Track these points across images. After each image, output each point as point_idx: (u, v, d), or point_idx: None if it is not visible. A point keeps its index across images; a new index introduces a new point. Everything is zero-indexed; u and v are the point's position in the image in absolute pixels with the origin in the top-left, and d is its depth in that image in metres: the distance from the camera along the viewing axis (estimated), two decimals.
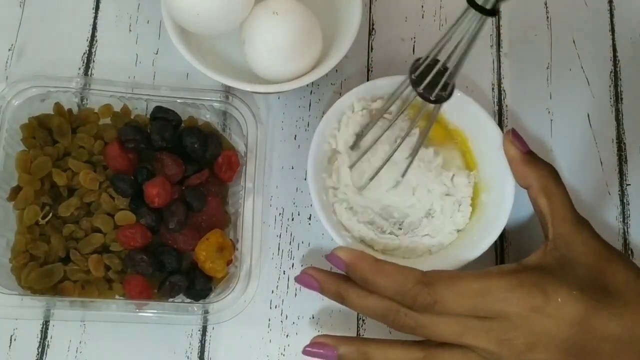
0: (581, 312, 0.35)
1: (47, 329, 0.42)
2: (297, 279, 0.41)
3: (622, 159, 0.49)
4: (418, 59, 0.38)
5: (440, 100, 0.37)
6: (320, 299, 0.44)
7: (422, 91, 0.37)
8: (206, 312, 0.41)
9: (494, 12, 0.33)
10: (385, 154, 0.42)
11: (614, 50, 0.51)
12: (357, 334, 0.44)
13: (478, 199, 0.44)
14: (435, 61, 0.37)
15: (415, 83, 0.37)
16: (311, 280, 0.40)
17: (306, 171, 0.42)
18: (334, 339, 0.39)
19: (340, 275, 0.39)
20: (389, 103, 0.40)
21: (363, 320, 0.44)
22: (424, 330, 0.37)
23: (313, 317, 0.44)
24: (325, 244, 0.45)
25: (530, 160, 0.40)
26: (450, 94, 0.38)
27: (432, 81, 0.37)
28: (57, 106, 0.44)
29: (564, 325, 0.35)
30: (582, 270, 0.37)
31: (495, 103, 0.49)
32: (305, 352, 0.40)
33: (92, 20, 0.49)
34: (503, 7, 0.52)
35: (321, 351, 0.39)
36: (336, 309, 0.44)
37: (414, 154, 0.42)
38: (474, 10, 0.33)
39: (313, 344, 0.40)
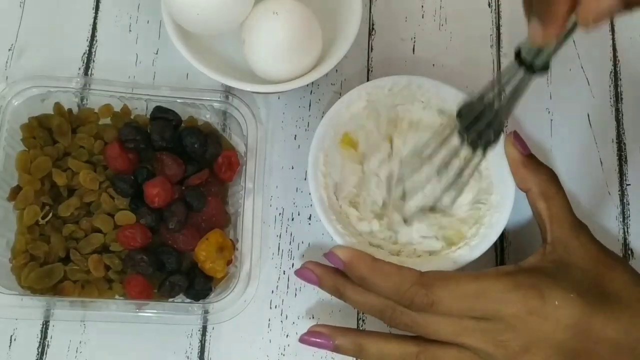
0: (578, 315, 0.35)
1: (47, 329, 0.42)
2: (297, 273, 0.41)
3: (622, 159, 0.49)
4: (460, 110, 0.37)
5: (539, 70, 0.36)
6: (321, 299, 0.44)
7: (470, 144, 0.37)
8: (206, 312, 0.41)
9: (545, 68, 0.33)
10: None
11: (614, 50, 0.51)
12: None
13: (478, 199, 0.44)
14: (481, 110, 0.36)
15: (463, 125, 0.37)
16: (310, 274, 0.40)
17: (306, 171, 0.42)
18: (330, 329, 0.40)
19: (339, 271, 0.40)
20: (437, 144, 0.40)
21: (363, 320, 0.44)
22: (420, 329, 0.38)
23: (313, 317, 0.44)
24: (325, 244, 0.45)
25: (531, 164, 0.40)
26: (494, 141, 0.38)
27: (480, 131, 0.37)
28: (57, 106, 0.44)
29: (560, 328, 0.35)
30: (580, 273, 0.37)
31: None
32: (301, 340, 0.40)
33: (92, 20, 0.49)
34: (503, 8, 0.52)
35: (318, 340, 0.40)
36: (336, 309, 0.44)
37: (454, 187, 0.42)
38: (522, 68, 0.33)
39: (310, 332, 0.40)
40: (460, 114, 0.37)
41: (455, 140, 0.39)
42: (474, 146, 0.37)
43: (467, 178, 0.41)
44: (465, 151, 0.39)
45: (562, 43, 0.32)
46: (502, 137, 0.38)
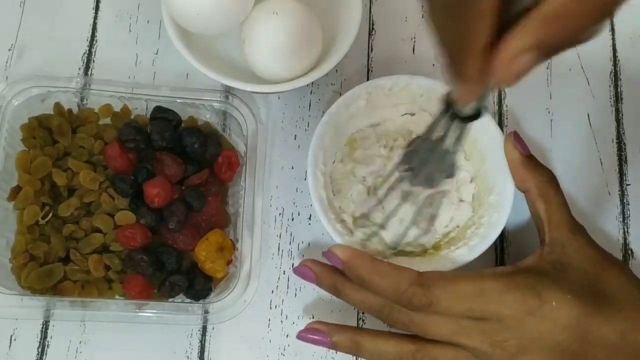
0: (575, 316, 0.35)
1: (47, 329, 0.42)
2: (295, 270, 0.41)
3: (622, 159, 0.49)
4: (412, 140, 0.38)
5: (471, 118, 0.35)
6: (320, 299, 0.44)
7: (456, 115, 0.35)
8: (206, 312, 0.41)
9: (476, 116, 0.31)
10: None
11: (614, 50, 0.51)
12: None
13: (478, 199, 0.44)
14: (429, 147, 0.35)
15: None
16: (308, 272, 0.41)
17: (306, 171, 0.42)
18: (328, 326, 0.40)
19: (337, 269, 0.40)
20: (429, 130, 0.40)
21: (363, 321, 0.44)
22: (418, 328, 0.38)
23: (313, 317, 0.44)
24: (325, 244, 0.45)
25: (530, 164, 0.41)
26: (479, 115, 0.37)
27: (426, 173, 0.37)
28: (57, 106, 0.44)
29: (557, 329, 0.35)
30: (577, 275, 0.37)
31: (495, 103, 0.49)
32: (299, 336, 0.40)
33: (92, 20, 0.49)
34: None
35: (315, 337, 0.40)
36: (336, 309, 0.44)
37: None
38: (450, 119, 0.32)
39: (308, 329, 0.40)
40: (407, 155, 0.37)
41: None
42: (428, 183, 0.37)
43: (435, 208, 0.42)
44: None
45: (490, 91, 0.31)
46: (456, 171, 0.38)
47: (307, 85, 0.43)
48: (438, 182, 0.37)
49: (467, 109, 0.31)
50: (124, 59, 0.48)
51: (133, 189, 0.42)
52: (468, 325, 0.36)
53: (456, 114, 0.31)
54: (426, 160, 0.36)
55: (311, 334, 0.40)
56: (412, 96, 0.44)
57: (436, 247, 0.43)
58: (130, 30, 0.49)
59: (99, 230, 0.42)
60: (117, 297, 0.41)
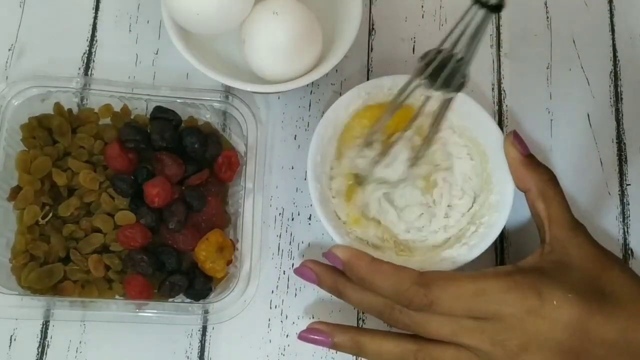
0: (576, 315, 0.35)
1: (47, 329, 0.42)
2: (296, 271, 0.41)
3: (622, 159, 0.49)
4: (426, 53, 0.36)
5: (453, 90, 0.36)
6: (320, 299, 0.44)
7: (432, 82, 0.36)
8: (206, 312, 0.41)
9: (499, 7, 0.32)
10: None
11: (614, 50, 0.51)
12: None
13: (478, 198, 0.44)
14: (446, 55, 0.35)
15: (428, 75, 0.36)
16: (309, 273, 0.41)
17: (306, 171, 0.42)
18: (329, 327, 0.40)
19: (338, 269, 0.40)
20: (400, 96, 0.39)
21: (363, 321, 0.44)
22: (419, 328, 0.38)
23: (313, 317, 0.44)
24: (325, 244, 0.45)
25: (530, 164, 0.41)
26: (461, 87, 0.36)
27: (445, 75, 0.35)
28: (57, 106, 0.44)
29: (558, 328, 0.35)
30: (578, 274, 0.37)
31: (495, 103, 0.49)
32: (300, 336, 0.40)
33: (92, 20, 0.49)
34: None
35: (317, 337, 0.40)
36: (336, 309, 0.44)
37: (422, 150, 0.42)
38: (478, 7, 0.32)
39: (309, 329, 0.40)
40: (423, 63, 0.36)
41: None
42: (444, 87, 0.36)
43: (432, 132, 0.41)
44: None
45: None
46: (467, 81, 0.37)
47: (307, 85, 0.43)
48: (454, 88, 0.36)
49: None
50: (124, 59, 0.48)
51: (133, 189, 0.42)
52: (469, 325, 0.36)
53: (483, 3, 0.32)
54: (442, 67, 0.35)
55: (312, 334, 0.40)
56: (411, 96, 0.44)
57: (436, 246, 0.43)
58: (130, 30, 0.49)
59: (99, 230, 0.42)
60: (117, 297, 0.41)
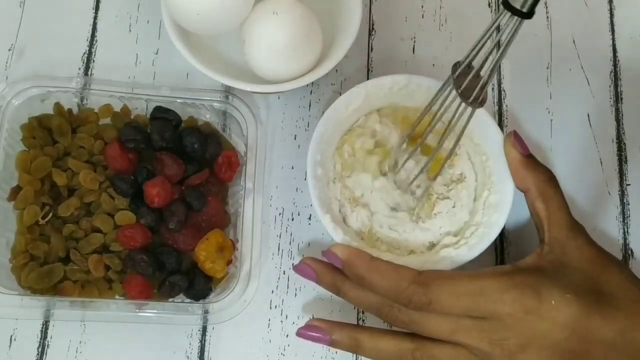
0: (574, 315, 0.35)
1: (47, 329, 0.42)
2: (295, 268, 0.41)
3: (622, 159, 0.49)
4: (457, 63, 0.37)
5: (477, 103, 0.36)
6: (320, 299, 0.44)
7: (462, 93, 0.36)
8: (206, 312, 0.41)
9: (530, 14, 0.32)
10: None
11: (614, 50, 0.51)
12: None
13: (478, 198, 0.44)
14: (470, 67, 0.36)
15: (457, 85, 0.36)
16: (308, 270, 0.41)
17: (306, 171, 0.42)
18: (328, 324, 0.40)
19: (337, 267, 0.40)
20: (432, 105, 0.40)
21: (363, 321, 0.44)
22: (417, 327, 0.38)
23: (313, 317, 0.44)
24: (325, 243, 0.45)
25: (530, 164, 0.41)
26: (483, 101, 0.37)
27: (469, 86, 0.36)
28: (57, 106, 0.44)
29: (556, 328, 0.35)
30: (577, 274, 0.37)
31: (495, 103, 0.49)
32: (299, 333, 0.40)
33: (92, 20, 0.49)
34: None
35: (315, 334, 0.40)
36: (336, 309, 0.44)
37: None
38: (510, 14, 0.33)
39: (308, 326, 0.40)
40: (455, 74, 0.37)
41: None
42: (471, 102, 0.37)
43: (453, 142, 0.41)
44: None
45: None
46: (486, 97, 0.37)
47: (307, 85, 0.44)
48: (480, 102, 0.36)
49: (527, 5, 0.32)
50: (124, 59, 0.48)
51: (133, 189, 0.42)
52: (467, 324, 0.36)
53: (513, 8, 0.32)
54: (468, 80, 0.36)
55: (311, 331, 0.40)
56: (411, 95, 0.44)
57: (435, 246, 0.43)
58: (130, 30, 0.49)
59: (99, 230, 0.42)
60: (117, 297, 0.41)
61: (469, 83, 0.36)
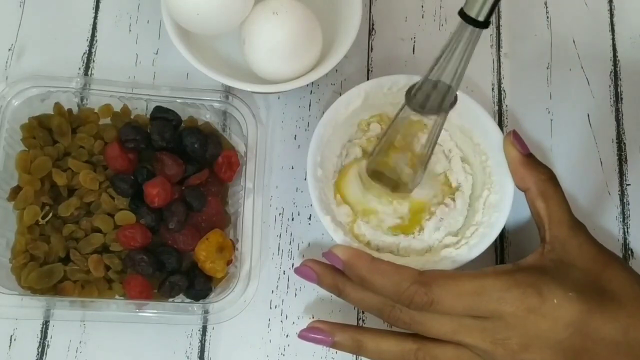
0: (577, 313, 0.35)
1: (47, 329, 0.42)
2: (296, 270, 0.41)
3: (622, 159, 0.49)
4: (412, 86, 0.37)
5: (444, 111, 0.37)
6: (320, 299, 0.44)
7: (419, 109, 0.37)
8: (206, 312, 0.41)
9: (486, 24, 0.33)
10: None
11: (614, 50, 0.51)
12: None
13: (478, 198, 0.44)
14: (433, 83, 0.36)
15: (417, 103, 0.37)
16: (310, 272, 0.41)
17: (306, 171, 0.42)
18: (330, 326, 0.40)
19: (338, 269, 0.40)
20: (392, 126, 0.40)
21: (363, 321, 0.44)
22: (419, 327, 0.38)
23: (313, 317, 0.44)
24: (325, 244, 0.45)
25: (530, 163, 0.41)
26: (452, 104, 0.37)
27: (433, 102, 0.36)
28: (57, 106, 0.44)
29: (559, 327, 0.35)
30: (578, 273, 0.37)
31: (495, 103, 0.49)
32: (301, 335, 0.40)
33: (92, 20, 0.49)
34: (503, 8, 0.52)
35: (317, 336, 0.40)
36: (336, 309, 0.44)
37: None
38: (466, 24, 0.33)
39: (309, 328, 0.40)
40: (410, 93, 0.37)
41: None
42: (434, 112, 0.37)
43: (429, 149, 0.41)
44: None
45: None
46: (455, 102, 0.37)
47: (307, 85, 0.44)
48: (445, 109, 0.37)
49: (484, 10, 0.32)
50: (124, 59, 0.48)
51: (133, 189, 0.42)
52: (469, 324, 0.36)
53: (470, 18, 0.32)
54: (429, 96, 0.36)
55: (313, 333, 0.40)
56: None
57: (435, 246, 0.43)
58: (130, 30, 0.49)
59: (99, 230, 0.42)
60: (117, 297, 0.41)
61: (427, 97, 0.36)
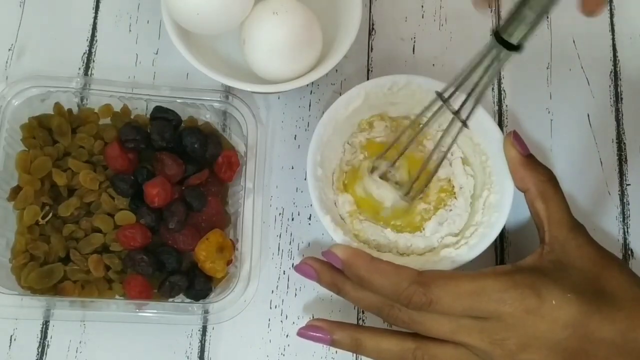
0: (575, 314, 0.35)
1: (47, 329, 0.42)
2: (296, 268, 0.41)
3: (622, 159, 0.49)
4: (445, 88, 0.38)
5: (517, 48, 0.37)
6: (320, 299, 0.44)
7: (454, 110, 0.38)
8: (206, 312, 0.41)
9: (519, 47, 0.33)
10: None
11: (614, 50, 0.51)
12: None
13: (478, 198, 0.44)
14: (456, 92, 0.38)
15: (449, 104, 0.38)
16: (309, 270, 0.41)
17: (306, 171, 0.42)
18: (329, 324, 0.40)
19: (338, 267, 0.40)
20: (418, 119, 0.41)
21: (363, 320, 0.44)
22: (418, 326, 0.38)
23: (313, 317, 0.44)
24: (325, 244, 0.45)
25: (530, 164, 0.41)
26: (468, 116, 0.38)
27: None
28: (57, 106, 0.44)
29: (557, 328, 0.35)
30: (577, 274, 0.37)
31: (495, 103, 0.49)
32: (300, 333, 0.40)
33: (92, 20, 0.49)
34: (503, 8, 0.52)
35: (316, 334, 0.40)
36: (336, 309, 0.44)
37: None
38: (499, 46, 0.34)
39: (309, 326, 0.40)
40: (442, 95, 0.38)
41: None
42: (458, 116, 0.38)
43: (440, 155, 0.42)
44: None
45: (539, 16, 0.33)
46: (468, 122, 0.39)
47: (307, 85, 0.44)
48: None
49: (516, 35, 0.33)
50: (124, 58, 0.48)
51: (133, 189, 0.42)
52: (468, 324, 0.37)
53: (504, 41, 0.33)
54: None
55: (312, 331, 0.40)
56: (411, 95, 0.44)
57: (435, 246, 0.43)
58: (130, 30, 0.49)
59: (99, 230, 0.42)
60: (117, 297, 0.41)
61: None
